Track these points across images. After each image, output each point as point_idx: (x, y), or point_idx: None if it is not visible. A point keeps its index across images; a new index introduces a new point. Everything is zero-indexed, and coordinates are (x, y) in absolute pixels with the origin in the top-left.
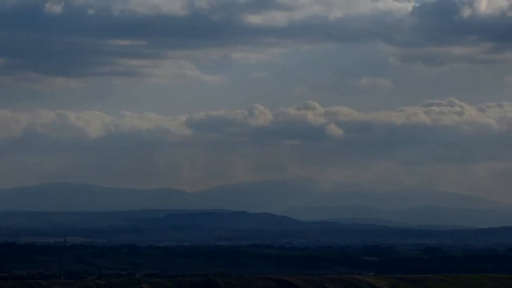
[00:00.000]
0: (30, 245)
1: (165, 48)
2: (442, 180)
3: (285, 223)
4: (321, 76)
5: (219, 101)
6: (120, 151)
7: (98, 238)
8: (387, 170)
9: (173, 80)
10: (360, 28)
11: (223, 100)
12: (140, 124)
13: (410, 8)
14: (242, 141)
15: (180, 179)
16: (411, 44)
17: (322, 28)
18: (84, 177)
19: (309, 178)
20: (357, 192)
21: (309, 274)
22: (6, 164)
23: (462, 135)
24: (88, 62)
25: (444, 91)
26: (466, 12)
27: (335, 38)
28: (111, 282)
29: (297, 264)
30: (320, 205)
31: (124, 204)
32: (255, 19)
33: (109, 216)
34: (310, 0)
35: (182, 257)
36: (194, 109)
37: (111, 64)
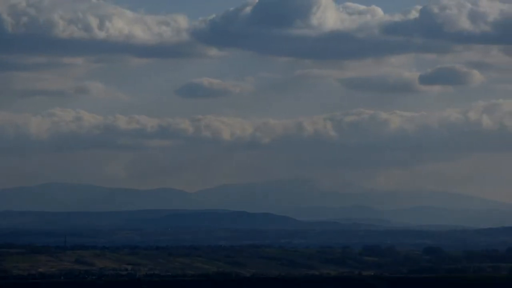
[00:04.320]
0: (30, 245)
1: None
2: (442, 180)
3: (285, 223)
4: None
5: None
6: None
7: (98, 238)
8: (388, 170)
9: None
10: None
11: None
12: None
13: None
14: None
15: (180, 179)
16: None
17: None
18: (84, 177)
19: (309, 178)
20: (357, 192)
21: (309, 274)
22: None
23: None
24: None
25: None
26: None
27: None
28: (111, 282)
29: (297, 264)
30: (320, 205)
31: (124, 204)
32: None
33: (109, 216)
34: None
35: (182, 257)
36: None
37: None
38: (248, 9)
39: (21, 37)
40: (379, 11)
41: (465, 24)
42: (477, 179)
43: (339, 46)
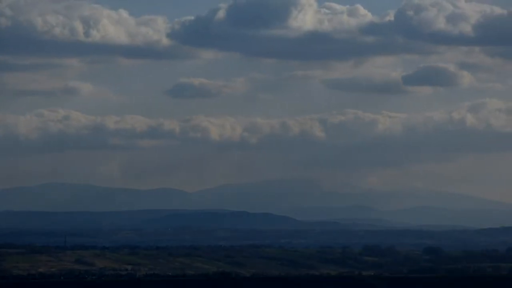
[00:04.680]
0: (30, 245)
1: None
2: (441, 180)
3: (285, 223)
4: None
5: None
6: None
7: (98, 238)
8: (388, 171)
9: None
10: None
11: None
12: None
13: None
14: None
15: (180, 179)
16: None
17: None
18: (84, 177)
19: (309, 178)
20: (357, 192)
21: (309, 274)
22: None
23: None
24: None
25: None
26: None
27: None
28: (111, 282)
29: (297, 264)
30: (320, 205)
31: (125, 204)
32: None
33: (109, 216)
34: None
35: (182, 257)
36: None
37: None
38: (230, 11)
39: (9, 38)
40: (363, 11)
41: (446, 25)
42: (477, 179)
43: (323, 47)
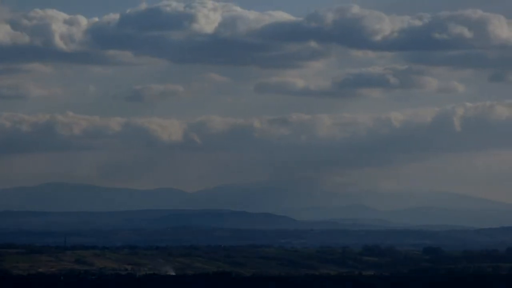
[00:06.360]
0: (30, 245)
1: None
2: (441, 181)
3: (285, 223)
4: None
5: None
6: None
7: (98, 238)
8: (388, 170)
9: None
10: None
11: None
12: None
13: None
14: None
15: (180, 179)
16: None
17: None
18: (84, 177)
19: (309, 178)
20: (357, 192)
21: (309, 274)
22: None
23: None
24: None
25: None
26: None
27: None
28: (111, 282)
29: (297, 264)
30: (320, 205)
31: (124, 204)
32: None
33: (109, 216)
34: None
35: (182, 257)
36: None
37: None
38: (147, 16)
39: None
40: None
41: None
42: (477, 179)
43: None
